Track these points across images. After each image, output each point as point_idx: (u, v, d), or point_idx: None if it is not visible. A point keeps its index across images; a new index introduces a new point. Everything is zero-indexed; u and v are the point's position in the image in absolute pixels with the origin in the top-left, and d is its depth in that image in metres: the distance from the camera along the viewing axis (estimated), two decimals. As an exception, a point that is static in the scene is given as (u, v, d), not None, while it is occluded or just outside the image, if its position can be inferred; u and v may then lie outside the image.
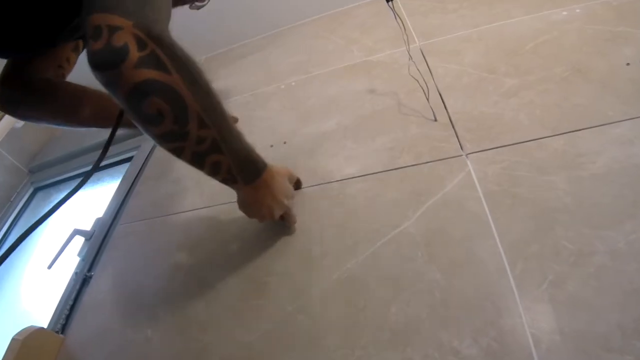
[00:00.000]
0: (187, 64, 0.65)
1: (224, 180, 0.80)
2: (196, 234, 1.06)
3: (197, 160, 0.73)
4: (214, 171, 0.76)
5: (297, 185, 1.00)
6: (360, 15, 1.65)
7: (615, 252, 0.69)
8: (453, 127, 0.99)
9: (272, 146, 1.20)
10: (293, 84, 1.45)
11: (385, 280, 0.79)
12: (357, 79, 1.31)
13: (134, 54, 0.59)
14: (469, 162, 0.90)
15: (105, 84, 0.61)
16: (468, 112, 1.01)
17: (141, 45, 0.60)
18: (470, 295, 0.72)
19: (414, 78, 1.11)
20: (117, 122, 0.95)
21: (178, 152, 0.70)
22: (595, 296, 0.66)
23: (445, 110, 1.04)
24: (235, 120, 1.24)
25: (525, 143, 0.89)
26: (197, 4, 1.06)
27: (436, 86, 1.11)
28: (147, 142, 1.59)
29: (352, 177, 1.00)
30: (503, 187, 0.83)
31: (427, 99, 1.07)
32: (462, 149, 0.94)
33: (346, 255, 0.85)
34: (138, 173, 1.43)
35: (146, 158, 1.49)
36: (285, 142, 1.20)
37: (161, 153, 1.47)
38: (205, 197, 1.17)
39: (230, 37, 1.98)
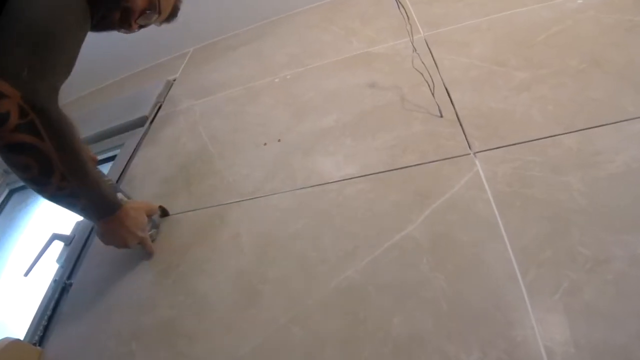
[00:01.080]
0: (60, 133, 0.78)
1: (82, 214, 0.94)
2: (186, 238, 1.06)
3: (56, 200, 0.86)
4: (70, 208, 0.89)
5: (163, 213, 1.14)
6: (360, 3, 1.65)
7: (635, 258, 0.68)
8: (460, 123, 0.99)
9: (265, 144, 1.20)
10: (288, 77, 1.44)
11: (388, 289, 0.78)
12: (357, 72, 1.30)
13: (14, 120, 0.72)
14: (477, 162, 0.90)
15: None
16: (476, 107, 1.01)
17: (23, 114, 0.73)
18: (478, 305, 0.71)
19: (418, 71, 1.11)
20: None
21: (39, 191, 0.83)
22: (613, 305, 0.65)
23: (451, 106, 1.04)
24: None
25: (537, 141, 0.89)
26: (140, 23, 1.02)
27: (442, 80, 1.11)
28: (131, 138, 1.58)
29: (352, 178, 1.00)
30: (514, 188, 0.83)
31: (433, 94, 1.07)
32: (469, 147, 0.94)
33: (345, 262, 0.85)
34: (122, 173, 1.42)
35: (131, 156, 1.48)
36: (279, 140, 1.20)
37: (148, 151, 1.46)
38: (195, 198, 1.17)
39: (220, 27, 1.97)
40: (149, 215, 1.07)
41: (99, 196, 0.92)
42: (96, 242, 1.20)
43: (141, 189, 1.30)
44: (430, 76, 1.09)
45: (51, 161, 0.79)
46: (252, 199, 1.07)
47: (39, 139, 0.76)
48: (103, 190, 0.93)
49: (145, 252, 1.06)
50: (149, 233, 1.07)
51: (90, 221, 0.99)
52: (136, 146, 1.53)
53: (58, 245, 1.28)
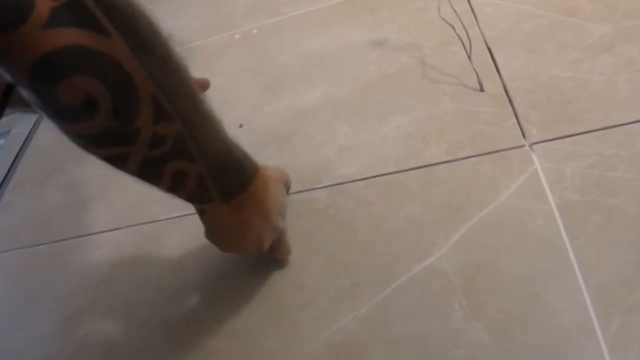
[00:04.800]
0: (134, 18, 0.62)
1: (190, 198, 0.79)
2: (104, 269, 1.06)
3: (150, 172, 0.71)
4: (175, 185, 0.75)
5: (288, 189, 0.99)
6: None
7: None
8: (510, 101, 1.00)
9: (240, 125, 1.21)
10: (254, 31, 1.44)
11: (402, 347, 0.78)
12: (356, 24, 1.31)
13: (44, 4, 0.55)
14: (535, 157, 0.90)
15: None
16: (533, 77, 1.01)
17: None
18: (537, 370, 0.71)
19: (448, 23, 1.10)
20: (4, 99, 0.92)
21: (119, 161, 0.68)
22: None
23: (496, 74, 1.05)
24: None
25: (624, 126, 0.89)
26: None
27: (483, 36, 1.12)
28: (21, 123, 1.56)
29: (349, 182, 1.00)
30: (590, 196, 0.83)
31: (469, 57, 1.06)
32: (523, 135, 0.94)
33: (340, 306, 0.85)
34: (7, 173, 1.41)
35: (20, 149, 1.47)
36: (241, 125, 1.20)
37: (47, 140, 1.45)
38: (117, 212, 1.17)
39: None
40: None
41: (225, 149, 0.77)
42: None
43: (35, 197, 1.30)
44: (466, 30, 1.09)
45: (131, 77, 0.61)
46: None
47: (100, 33, 0.58)
48: (229, 138, 0.78)
49: (278, 254, 0.93)
50: None
51: (201, 210, 0.83)
52: (28, 134, 1.51)
53: None
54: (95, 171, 1.28)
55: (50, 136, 1.46)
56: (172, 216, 1.09)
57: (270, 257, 0.92)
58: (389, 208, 0.93)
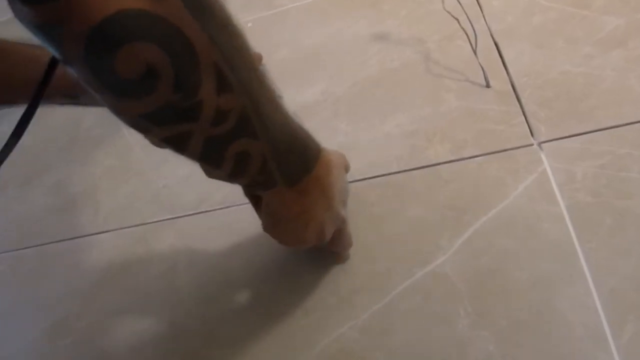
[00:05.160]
0: None
1: (252, 184, 0.77)
2: (92, 275, 1.06)
3: (213, 153, 0.69)
4: (238, 168, 0.72)
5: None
6: None
7: None
8: (517, 97, 1.00)
9: None
10: (250, 25, 1.44)
11: (404, 356, 0.78)
12: (357, 18, 1.31)
13: None
14: (543, 156, 0.90)
15: (39, 26, 0.55)
16: (542, 73, 1.01)
17: None
18: (546, 380, 0.71)
19: (453, 16, 1.10)
20: (41, 87, 0.87)
21: (180, 142, 0.66)
22: None
23: (503, 70, 1.05)
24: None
25: (638, 124, 0.89)
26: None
27: (489, 30, 1.12)
28: (5, 121, 1.56)
29: (349, 182, 0.97)
30: (601, 197, 0.83)
31: (474, 51, 1.06)
32: (532, 134, 0.94)
33: (339, 313, 0.85)
34: (-10, 174, 1.41)
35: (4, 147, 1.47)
36: None
37: (33, 139, 1.45)
38: (106, 214, 1.17)
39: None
40: None
41: (289, 127, 0.75)
42: None
43: (20, 198, 1.30)
44: (471, 23, 1.08)
45: (192, 44, 0.59)
46: (194, 214, 1.07)
47: None
48: (290, 115, 0.76)
49: (338, 246, 0.90)
50: None
51: (261, 195, 0.81)
52: (13, 132, 1.51)
53: None
54: (82, 171, 1.28)
55: (35, 135, 1.46)
56: (163, 218, 1.09)
57: (330, 250, 0.90)
58: (391, 210, 0.93)
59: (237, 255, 0.97)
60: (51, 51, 0.57)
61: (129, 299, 1.00)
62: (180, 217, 1.08)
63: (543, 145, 0.92)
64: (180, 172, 1.16)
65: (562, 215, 0.83)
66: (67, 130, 1.42)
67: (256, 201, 0.84)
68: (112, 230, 1.13)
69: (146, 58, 0.56)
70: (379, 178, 0.98)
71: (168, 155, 1.17)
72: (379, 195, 0.95)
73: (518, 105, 0.98)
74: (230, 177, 0.74)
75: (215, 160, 0.70)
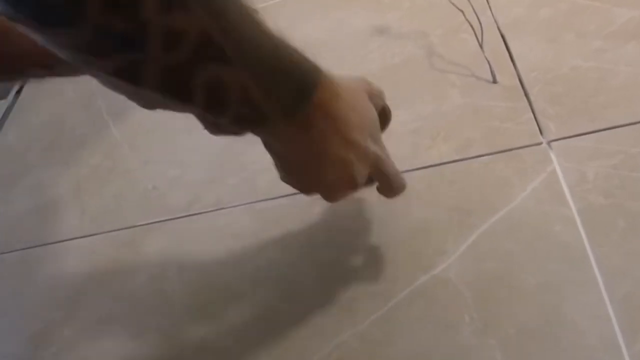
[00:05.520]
0: None
1: (239, 121, 0.68)
2: (77, 280, 1.06)
3: (176, 85, 0.62)
4: (213, 102, 0.65)
5: (385, 116, 0.87)
6: None
7: None
8: (526, 94, 1.00)
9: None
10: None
11: (407, 365, 0.78)
12: (356, 10, 1.31)
13: None
14: (553, 156, 0.90)
15: None
16: (551, 68, 1.01)
17: None
18: (555, 391, 0.71)
19: (458, 8, 1.11)
20: None
21: (133, 75, 0.60)
22: None
23: (511, 65, 1.05)
24: None
25: (651, 122, 0.89)
26: None
27: (496, 22, 1.12)
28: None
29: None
30: (614, 199, 0.83)
31: (480, 45, 1.07)
32: (541, 132, 0.94)
33: (339, 320, 0.84)
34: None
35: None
36: None
37: (14, 139, 1.44)
38: (91, 217, 1.17)
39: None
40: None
41: (270, 47, 0.67)
42: None
43: (1, 202, 1.29)
44: (477, 16, 1.09)
45: None
46: (185, 217, 1.07)
47: None
48: (273, 34, 0.67)
49: (386, 191, 0.84)
50: None
51: (261, 136, 0.73)
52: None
53: None
54: (66, 172, 1.28)
55: (16, 134, 1.46)
56: (152, 221, 1.09)
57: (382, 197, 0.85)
58: (392, 212, 0.93)
59: (230, 260, 0.97)
60: None
61: (115, 306, 0.99)
62: (170, 219, 1.07)
63: (552, 144, 0.91)
64: (170, 172, 1.16)
65: (572, 217, 0.83)
66: (50, 128, 1.42)
67: (265, 141, 0.75)
68: (98, 233, 1.12)
69: None
70: (379, 178, 0.97)
71: (156, 153, 1.17)
72: (379, 196, 0.94)
73: (526, 102, 0.98)
74: (211, 114, 0.66)
75: (181, 93, 0.63)
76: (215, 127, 0.69)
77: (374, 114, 0.77)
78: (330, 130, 0.71)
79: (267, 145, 0.74)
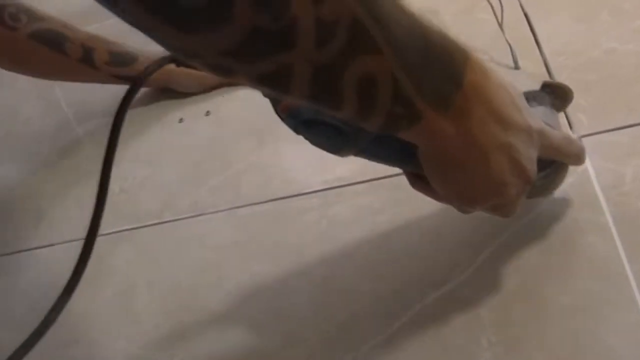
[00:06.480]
0: None
1: (389, 122, 0.66)
2: (35, 295, 1.06)
3: (327, 87, 0.62)
4: (365, 102, 0.64)
5: (564, 94, 0.85)
6: None
7: None
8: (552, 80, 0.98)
9: (181, 120, 1.22)
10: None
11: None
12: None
13: None
14: (585, 154, 0.88)
15: None
16: (582, 51, 1.01)
17: None
18: None
19: (473, -18, 1.10)
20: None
21: (280, 80, 0.60)
22: None
23: (536, 48, 1.05)
24: None
25: None
26: None
27: (518, -1, 1.12)
28: None
29: (347, 184, 1.00)
30: (658, 204, 0.83)
31: (500, 26, 1.06)
32: (570, 126, 0.93)
33: (335, 344, 0.84)
34: None
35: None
36: (207, 113, 1.21)
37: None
38: (50, 223, 1.17)
39: None
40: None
41: (418, 29, 0.64)
42: None
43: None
44: (496, -9, 1.08)
45: None
46: (156, 224, 1.07)
47: None
48: (416, 15, 0.64)
49: (573, 158, 0.81)
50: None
51: (404, 130, 0.68)
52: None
53: None
54: (21, 172, 1.29)
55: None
56: (119, 229, 1.09)
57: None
58: (397, 218, 0.92)
59: (208, 274, 0.97)
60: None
61: (77, 326, 0.99)
62: (140, 227, 1.08)
63: (584, 139, 0.90)
64: (139, 172, 1.17)
65: (607, 225, 0.82)
66: (1, 122, 1.42)
67: (414, 179, 0.76)
68: (57, 243, 1.13)
69: None
70: (382, 180, 0.97)
71: (124, 150, 1.17)
72: (383, 200, 0.95)
73: None
74: (360, 117, 0.65)
75: (332, 96, 0.62)
76: (354, 138, 0.70)
77: (511, 82, 0.74)
78: (487, 115, 0.69)
79: (420, 152, 0.72)
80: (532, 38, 1.06)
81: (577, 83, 0.96)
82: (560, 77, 0.99)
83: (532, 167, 0.72)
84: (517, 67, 1.03)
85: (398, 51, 0.61)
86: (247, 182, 1.06)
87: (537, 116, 0.74)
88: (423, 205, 0.91)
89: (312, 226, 0.96)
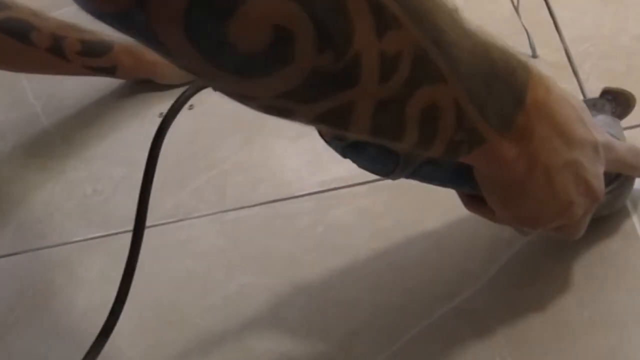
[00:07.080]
0: None
1: (450, 150, 0.68)
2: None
3: (389, 121, 0.62)
4: (427, 132, 0.65)
5: (626, 100, 0.87)
6: None
7: None
8: (574, 72, 0.99)
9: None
10: None
11: None
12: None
13: None
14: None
15: (114, 17, 0.52)
16: (607, 38, 1.01)
17: None
18: None
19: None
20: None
21: (341, 118, 0.61)
22: None
23: (556, 35, 1.04)
24: None
25: None
26: None
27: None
28: None
29: (345, 186, 1.00)
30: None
31: (516, 9, 1.05)
32: None
33: None
34: None
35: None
36: (191, 107, 1.20)
37: None
38: (14, 230, 1.17)
39: None
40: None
41: (481, 49, 0.65)
42: None
43: None
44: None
45: None
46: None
47: None
48: (476, 32, 0.65)
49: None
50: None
51: (464, 154, 0.69)
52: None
53: None
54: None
55: None
56: (92, 236, 1.09)
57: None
58: (401, 224, 0.92)
59: (191, 285, 0.97)
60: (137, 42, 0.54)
61: (44, 344, 0.99)
62: (115, 234, 1.08)
63: (613, 136, 0.90)
64: (114, 172, 1.17)
65: (634, 231, 0.82)
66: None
67: (468, 200, 0.78)
68: (23, 252, 1.12)
69: (271, 17, 0.51)
70: (384, 181, 0.95)
71: (97, 148, 1.16)
72: (385, 203, 0.95)
73: (576, 82, 0.98)
74: (420, 149, 0.67)
75: (393, 129, 0.63)
76: (406, 160, 0.71)
77: (575, 96, 0.74)
78: (551, 132, 0.69)
79: (478, 173, 0.72)
80: (552, 22, 1.06)
81: (601, 73, 0.97)
82: (583, 67, 0.99)
83: (599, 183, 0.72)
84: (534, 56, 1.03)
85: (463, 77, 0.61)
86: (234, 184, 1.06)
87: (601, 128, 0.74)
88: (429, 208, 0.91)
89: (306, 232, 0.96)
